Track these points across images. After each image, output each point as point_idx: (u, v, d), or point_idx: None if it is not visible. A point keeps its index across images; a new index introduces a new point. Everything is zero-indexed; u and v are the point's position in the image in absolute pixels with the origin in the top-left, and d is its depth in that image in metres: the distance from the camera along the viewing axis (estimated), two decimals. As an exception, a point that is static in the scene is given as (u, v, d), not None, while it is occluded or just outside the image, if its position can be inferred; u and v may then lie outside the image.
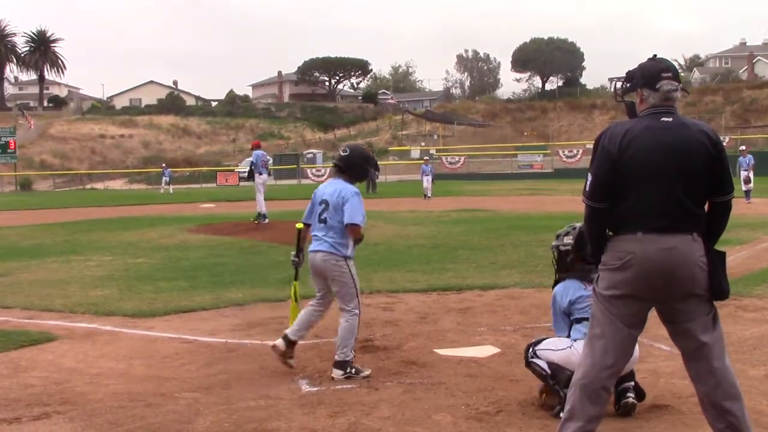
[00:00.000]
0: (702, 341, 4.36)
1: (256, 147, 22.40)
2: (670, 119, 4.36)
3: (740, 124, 74.07)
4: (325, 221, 6.82)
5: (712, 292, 4.34)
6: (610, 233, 4.44)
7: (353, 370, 6.69)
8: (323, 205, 6.85)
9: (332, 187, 6.92)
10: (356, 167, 7.04)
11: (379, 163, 44.99)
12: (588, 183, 4.46)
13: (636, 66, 4.58)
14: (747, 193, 28.52)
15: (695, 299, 4.33)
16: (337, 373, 6.68)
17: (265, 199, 21.66)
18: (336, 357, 6.74)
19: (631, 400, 5.45)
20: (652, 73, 4.43)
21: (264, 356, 7.44)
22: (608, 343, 4.40)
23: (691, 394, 5.71)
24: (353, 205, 6.74)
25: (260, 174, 21.57)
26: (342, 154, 7.02)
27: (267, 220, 21.19)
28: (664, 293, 4.32)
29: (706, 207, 4.42)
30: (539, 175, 59.79)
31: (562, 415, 4.56)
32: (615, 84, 4.71)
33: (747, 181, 28.73)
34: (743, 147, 30.17)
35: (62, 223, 24.45)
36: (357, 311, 6.80)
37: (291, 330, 6.96)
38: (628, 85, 4.59)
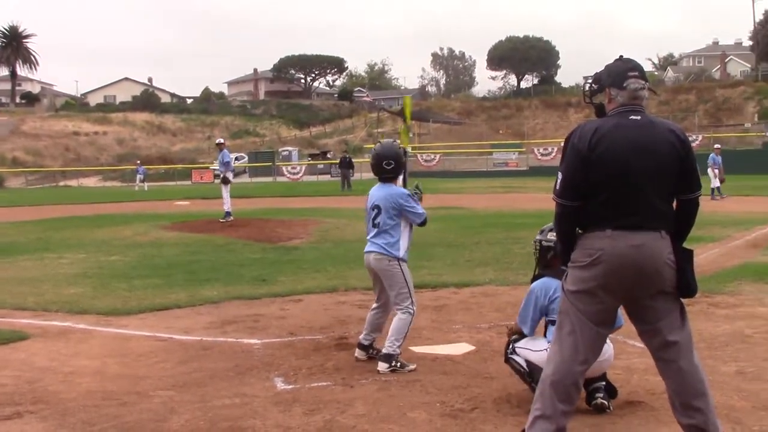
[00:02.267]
0: (670, 340, 4.41)
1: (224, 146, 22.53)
2: (639, 117, 4.41)
3: (713, 122, 74.64)
4: (377, 225, 6.97)
5: (680, 290, 4.39)
6: (580, 231, 4.48)
7: (398, 364, 6.76)
8: (375, 210, 6.99)
9: (383, 192, 7.03)
10: (400, 170, 7.23)
11: (354, 160, 45.26)
12: (558, 181, 4.49)
13: (603, 67, 4.63)
14: (718, 189, 28.92)
15: (663, 297, 4.38)
16: (382, 366, 6.74)
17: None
18: (383, 350, 6.83)
19: (600, 400, 5.49)
20: (619, 73, 4.48)
21: (239, 354, 7.43)
22: (578, 340, 4.44)
23: (665, 390, 5.77)
24: (413, 210, 6.94)
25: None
26: (387, 167, 7.04)
27: (232, 218, 21.25)
28: (634, 290, 4.37)
29: (674, 205, 4.48)
30: (514, 173, 59.88)
31: (531, 411, 4.57)
32: (584, 86, 4.76)
33: (719, 178, 28.97)
34: (718, 145, 30.60)
35: (35, 221, 24.24)
36: (411, 310, 6.91)
37: (362, 336, 7.24)
38: (596, 86, 4.64)
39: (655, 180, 4.32)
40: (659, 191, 4.34)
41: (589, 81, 4.74)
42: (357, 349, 7.22)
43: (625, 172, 4.29)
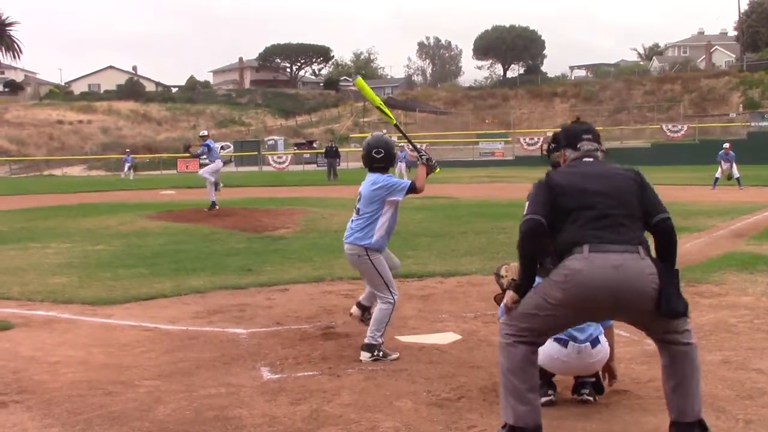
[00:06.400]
0: (677, 349, 4.49)
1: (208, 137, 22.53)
2: (591, 159, 4.76)
3: (698, 112, 74.97)
4: (357, 211, 6.99)
5: (663, 311, 4.35)
6: (558, 259, 4.46)
7: (381, 353, 6.77)
8: (358, 196, 7.03)
9: (368, 179, 7.03)
10: (390, 158, 7.12)
11: (340, 150, 45.14)
12: (526, 207, 4.61)
13: (561, 129, 5.04)
14: (738, 180, 29.64)
15: (657, 314, 4.38)
16: (364, 356, 6.76)
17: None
18: (365, 340, 6.84)
19: (585, 396, 5.51)
20: (574, 135, 4.87)
21: (225, 343, 7.41)
22: (535, 325, 4.52)
23: (650, 379, 5.81)
24: (395, 186, 6.92)
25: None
26: (377, 156, 7.00)
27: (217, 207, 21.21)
28: (617, 310, 4.45)
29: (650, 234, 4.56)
30: (500, 163, 59.93)
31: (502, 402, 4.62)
32: (542, 144, 5.20)
33: (731, 173, 29.92)
34: (727, 144, 31.19)
35: (20, 210, 24.10)
36: (391, 299, 6.88)
37: (363, 297, 7.29)
38: (553, 146, 5.09)
39: (618, 201, 4.45)
40: (626, 213, 4.43)
41: (549, 141, 5.22)
42: (354, 306, 7.32)
43: (592, 195, 4.45)
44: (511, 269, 6.03)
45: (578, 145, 4.78)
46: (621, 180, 4.55)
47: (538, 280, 4.74)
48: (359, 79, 7.84)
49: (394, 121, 7.26)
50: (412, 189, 6.93)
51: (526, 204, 4.60)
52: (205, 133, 23.15)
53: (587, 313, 4.49)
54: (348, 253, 6.98)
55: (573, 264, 4.31)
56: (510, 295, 4.64)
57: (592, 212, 4.38)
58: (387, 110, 7.46)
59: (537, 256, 4.55)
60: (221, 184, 22.25)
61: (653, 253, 4.45)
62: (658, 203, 4.55)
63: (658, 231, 4.51)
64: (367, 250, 6.83)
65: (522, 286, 4.58)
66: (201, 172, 21.80)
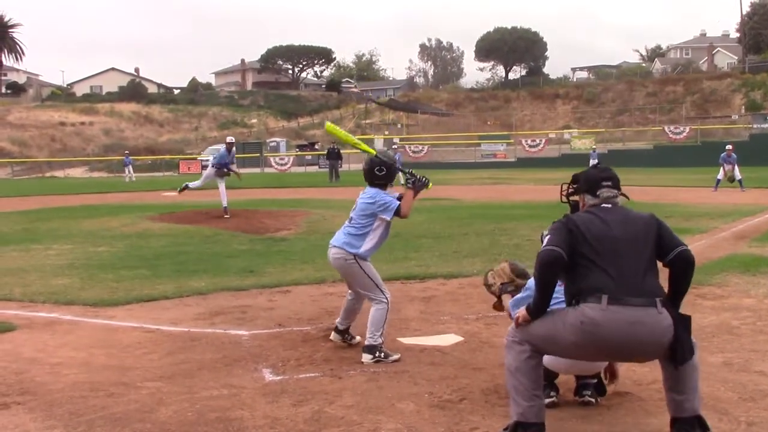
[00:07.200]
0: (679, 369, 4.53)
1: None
2: (610, 206, 4.75)
3: (700, 114, 74.92)
4: (350, 219, 7.07)
5: (677, 362, 4.45)
6: (574, 301, 4.50)
7: (382, 354, 6.78)
8: (354, 205, 7.11)
9: (366, 192, 7.10)
10: (390, 176, 7.16)
11: (342, 152, 44.97)
12: (546, 240, 4.68)
13: (581, 171, 5.05)
14: (740, 182, 29.61)
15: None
16: (366, 357, 6.78)
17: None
18: (366, 342, 6.87)
19: (587, 398, 5.52)
20: (594, 181, 4.86)
21: (227, 345, 7.41)
22: (543, 347, 4.65)
23: (652, 381, 5.81)
24: (385, 205, 6.91)
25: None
26: (379, 173, 7.06)
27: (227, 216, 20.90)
28: (627, 358, 4.69)
29: (666, 271, 4.62)
30: (502, 164, 59.96)
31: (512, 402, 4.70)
32: (562, 186, 5.17)
33: (734, 175, 29.81)
34: (729, 146, 31.15)
35: (21, 212, 24.08)
36: (385, 299, 6.92)
37: (338, 320, 7.35)
38: (573, 188, 5.12)
39: (637, 248, 4.50)
40: (644, 261, 4.48)
41: (568, 182, 5.22)
42: (333, 332, 7.36)
43: (605, 240, 4.49)
44: (497, 273, 6.08)
45: (598, 192, 4.79)
46: (640, 226, 4.58)
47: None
48: (329, 124, 8.04)
49: (374, 152, 7.28)
50: (397, 213, 6.94)
51: (547, 238, 4.67)
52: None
53: (597, 356, 4.69)
54: (334, 257, 7.05)
55: (590, 313, 4.36)
56: (522, 314, 4.71)
57: (610, 258, 4.42)
58: (365, 146, 7.55)
59: (554, 285, 4.57)
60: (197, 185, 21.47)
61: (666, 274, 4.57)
62: (675, 238, 4.62)
63: (678, 261, 4.56)
64: (356, 256, 6.90)
65: (536, 312, 4.63)
66: (221, 190, 21.05)
